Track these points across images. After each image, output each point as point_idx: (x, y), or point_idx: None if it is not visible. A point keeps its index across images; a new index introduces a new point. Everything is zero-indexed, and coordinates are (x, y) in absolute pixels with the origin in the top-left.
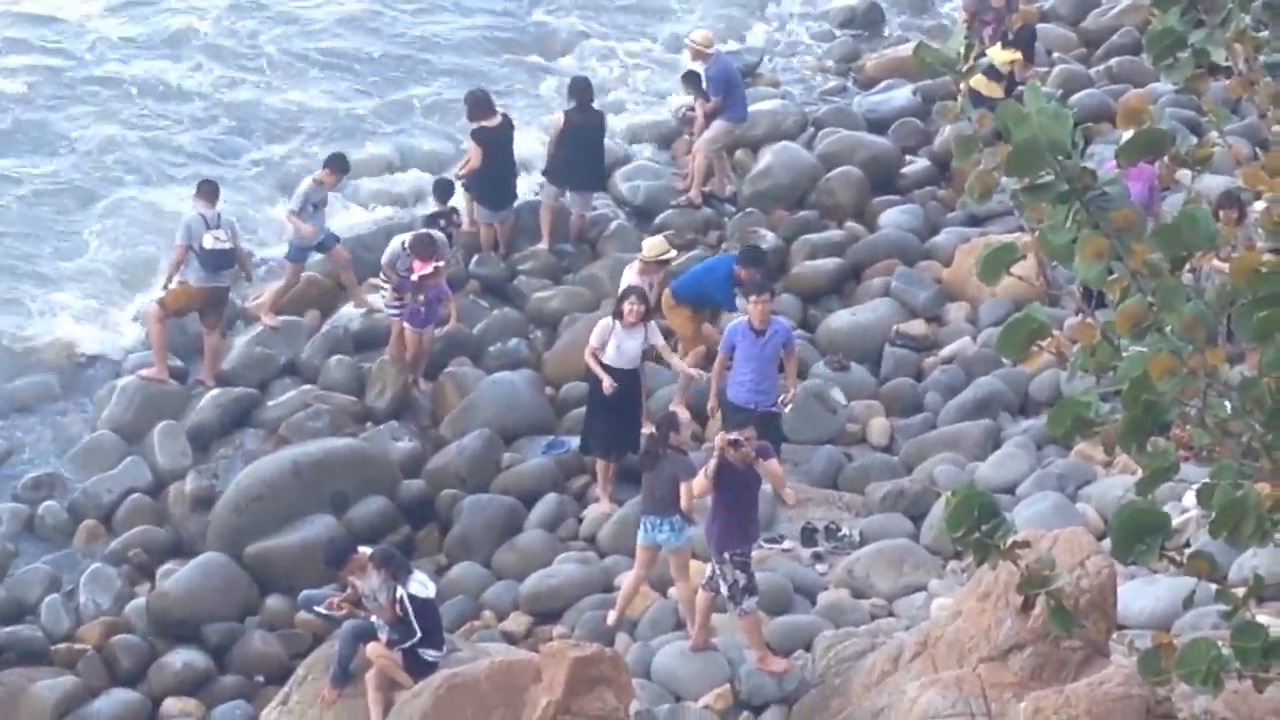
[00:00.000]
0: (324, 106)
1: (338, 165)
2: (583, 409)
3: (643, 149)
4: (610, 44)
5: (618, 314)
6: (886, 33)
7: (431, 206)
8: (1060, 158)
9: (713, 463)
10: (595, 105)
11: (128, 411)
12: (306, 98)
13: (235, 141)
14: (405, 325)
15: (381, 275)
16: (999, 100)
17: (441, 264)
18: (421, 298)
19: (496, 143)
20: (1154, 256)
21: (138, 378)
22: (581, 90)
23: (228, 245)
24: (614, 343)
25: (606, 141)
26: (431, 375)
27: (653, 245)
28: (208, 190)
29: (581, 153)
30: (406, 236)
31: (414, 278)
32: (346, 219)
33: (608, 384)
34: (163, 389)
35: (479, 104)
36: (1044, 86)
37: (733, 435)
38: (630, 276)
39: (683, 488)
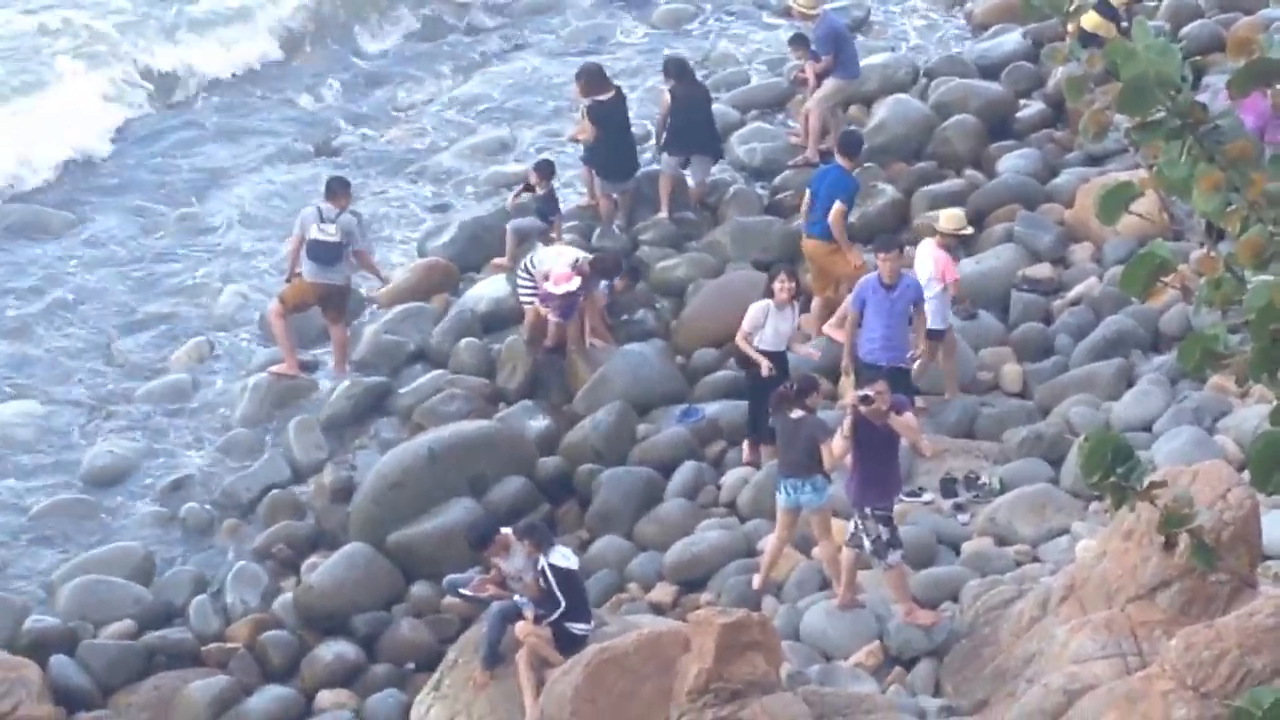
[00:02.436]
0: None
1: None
2: (717, 374)
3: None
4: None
5: (769, 293)
6: None
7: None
8: (1171, 93)
9: (848, 421)
10: (697, 78)
11: (262, 408)
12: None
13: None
14: (549, 315)
15: (522, 269)
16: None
17: (574, 288)
18: (564, 299)
19: (612, 116)
20: (1272, 186)
21: (268, 374)
22: (679, 66)
23: (334, 239)
24: (771, 325)
25: (719, 107)
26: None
27: (951, 217)
28: (334, 186)
29: (693, 121)
30: (581, 254)
31: (554, 288)
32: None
33: (766, 367)
34: (294, 383)
35: (593, 78)
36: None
37: (863, 391)
38: (927, 253)
39: (823, 449)
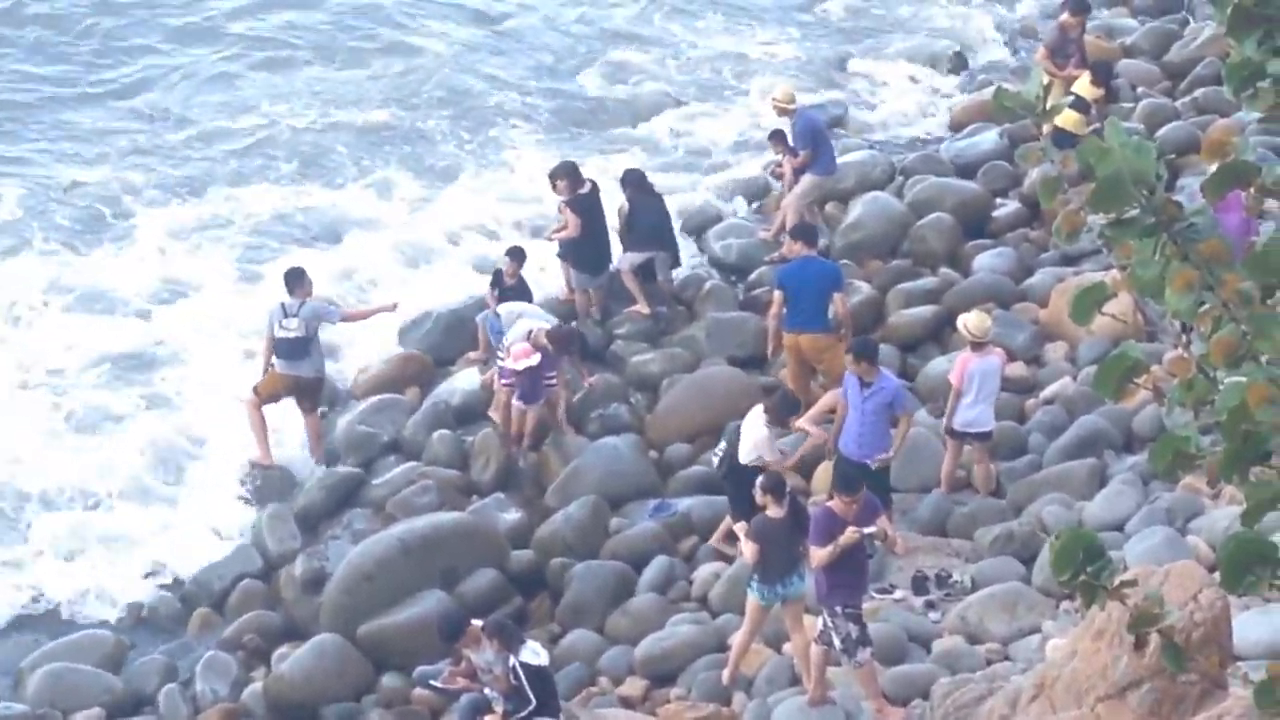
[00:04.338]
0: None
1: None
2: (690, 470)
3: (736, 206)
4: (692, 107)
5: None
6: (972, 76)
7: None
8: (1145, 191)
9: (841, 541)
10: (654, 189)
11: (236, 497)
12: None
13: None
14: (514, 400)
15: (501, 349)
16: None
17: (535, 362)
18: (526, 378)
19: (590, 209)
20: (1244, 285)
21: (247, 463)
22: (637, 177)
23: (296, 334)
24: (771, 445)
25: (695, 201)
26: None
27: (980, 322)
28: (290, 279)
29: (654, 224)
30: (540, 325)
31: (514, 365)
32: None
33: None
34: (266, 473)
35: (568, 173)
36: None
37: (869, 530)
38: (974, 365)
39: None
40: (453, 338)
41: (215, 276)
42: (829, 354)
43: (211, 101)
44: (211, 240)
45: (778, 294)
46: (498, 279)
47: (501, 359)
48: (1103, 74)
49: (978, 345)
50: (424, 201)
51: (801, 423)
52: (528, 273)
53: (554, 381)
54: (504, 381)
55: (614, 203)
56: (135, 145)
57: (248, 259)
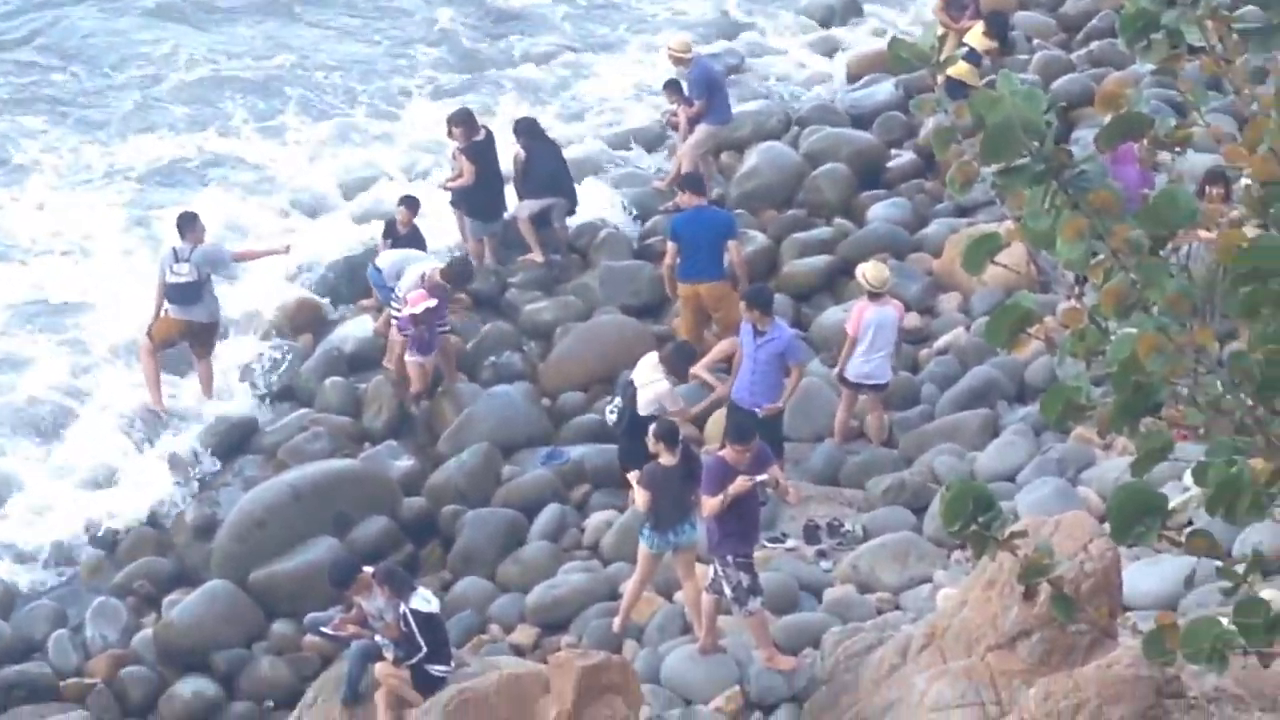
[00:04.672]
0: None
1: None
2: (582, 418)
3: (630, 155)
4: (588, 56)
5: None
6: (866, 27)
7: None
8: (1034, 140)
9: (732, 490)
10: (547, 135)
11: (126, 442)
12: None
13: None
14: (409, 356)
15: (394, 296)
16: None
17: (434, 304)
18: (423, 327)
19: (485, 157)
20: (1135, 234)
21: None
22: (530, 125)
23: (187, 278)
24: (673, 396)
25: (592, 150)
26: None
27: (878, 272)
28: (182, 223)
29: (551, 171)
30: (432, 268)
31: (408, 311)
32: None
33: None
34: (158, 418)
35: (464, 120)
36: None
37: (761, 477)
38: (871, 315)
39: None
40: (346, 284)
41: (107, 222)
42: (726, 302)
43: (104, 48)
44: (102, 187)
45: (671, 245)
46: (390, 229)
47: (397, 310)
48: (996, 26)
49: (875, 295)
50: (315, 148)
51: (697, 369)
52: (420, 221)
53: (445, 328)
54: (402, 332)
55: (508, 152)
56: (27, 92)
57: (141, 204)
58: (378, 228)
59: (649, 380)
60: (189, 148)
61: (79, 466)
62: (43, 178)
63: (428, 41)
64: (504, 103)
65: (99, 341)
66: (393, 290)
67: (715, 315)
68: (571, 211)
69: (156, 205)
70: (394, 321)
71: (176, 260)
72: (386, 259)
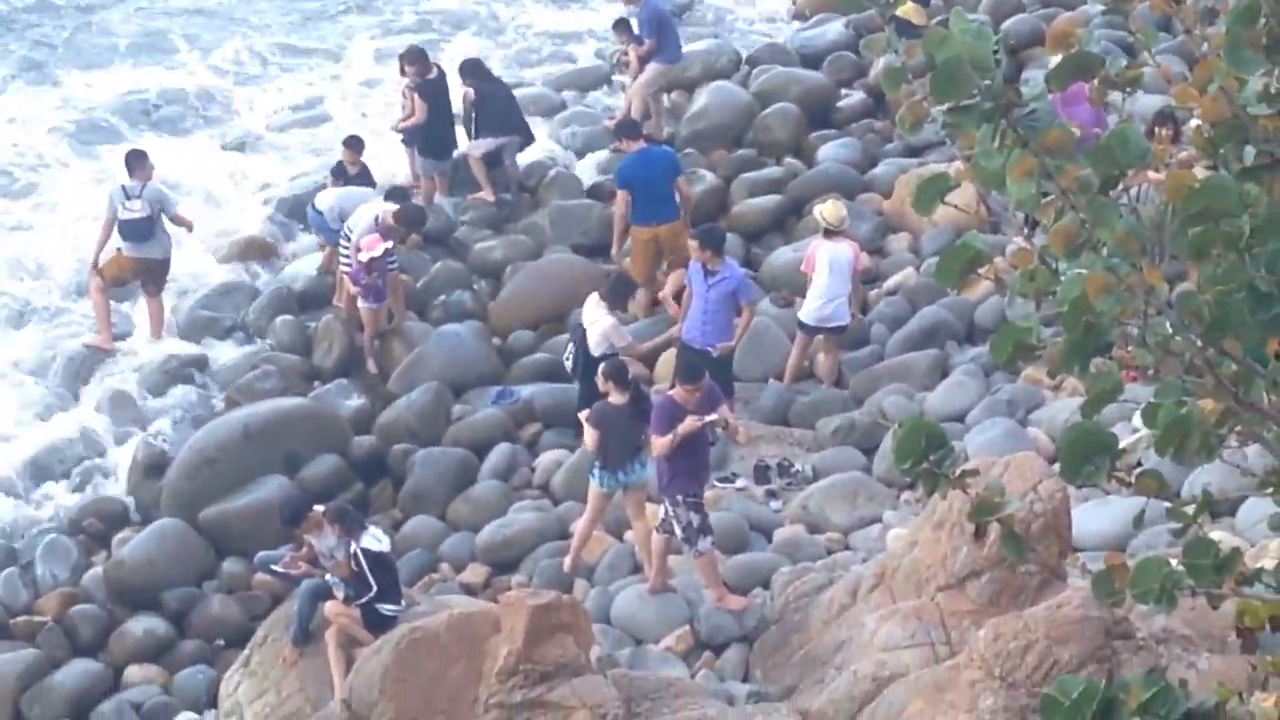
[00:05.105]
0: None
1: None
2: (532, 357)
3: (578, 95)
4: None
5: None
6: None
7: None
8: (985, 78)
9: (681, 429)
10: (493, 75)
11: (75, 380)
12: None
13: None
14: (361, 303)
15: (343, 235)
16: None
17: (391, 244)
18: (375, 273)
19: (437, 95)
20: (1085, 174)
21: (84, 346)
22: (475, 66)
23: (140, 214)
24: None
25: (540, 89)
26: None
27: (835, 211)
28: (131, 161)
29: (501, 110)
30: (385, 208)
31: (363, 257)
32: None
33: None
34: (109, 356)
35: (417, 58)
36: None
37: (710, 417)
38: (827, 253)
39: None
40: (294, 222)
41: (51, 159)
42: (680, 240)
43: None
44: (48, 122)
45: (622, 192)
46: (340, 170)
47: (346, 253)
48: None
49: (831, 234)
50: (260, 86)
51: (664, 295)
52: (367, 160)
53: (394, 264)
54: (356, 281)
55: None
56: None
57: (84, 141)
58: (322, 164)
59: (594, 319)
60: (135, 83)
61: (26, 401)
62: None
63: None
64: (452, 41)
65: (49, 276)
66: (337, 232)
67: (670, 256)
68: (526, 146)
69: (100, 141)
70: (344, 267)
71: (127, 198)
72: (325, 199)
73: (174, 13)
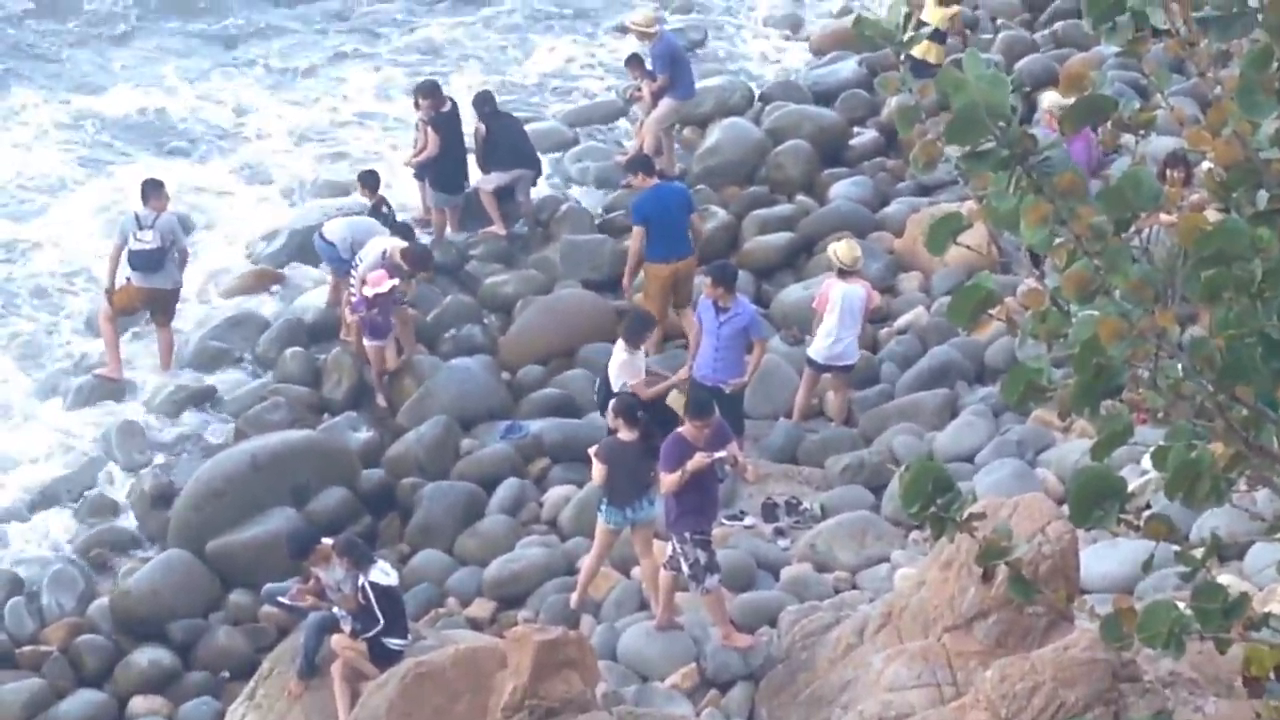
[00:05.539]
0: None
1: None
2: (542, 392)
3: (591, 130)
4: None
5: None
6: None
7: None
8: (1000, 123)
9: (690, 466)
10: (503, 110)
11: (84, 410)
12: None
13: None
14: (366, 341)
15: (352, 266)
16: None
17: (397, 282)
18: (375, 310)
19: (450, 129)
20: (1098, 219)
21: (93, 376)
22: (486, 99)
23: (151, 245)
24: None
25: (553, 124)
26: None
27: (850, 251)
28: (147, 190)
29: (513, 144)
30: (393, 245)
31: (368, 291)
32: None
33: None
34: (118, 387)
35: (432, 92)
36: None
37: (719, 455)
38: (840, 292)
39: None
40: (307, 253)
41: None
42: (691, 277)
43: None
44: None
45: (638, 228)
46: (374, 209)
47: (353, 290)
48: None
49: (845, 274)
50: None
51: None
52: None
53: (402, 300)
54: (355, 312)
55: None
56: None
57: (94, 161)
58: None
59: (615, 354)
60: (138, 106)
61: (35, 430)
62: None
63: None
64: (463, 75)
65: (60, 302)
66: (348, 262)
67: (680, 292)
68: (535, 182)
69: (109, 163)
70: (350, 300)
71: (140, 227)
72: (335, 230)
73: (191, 35)
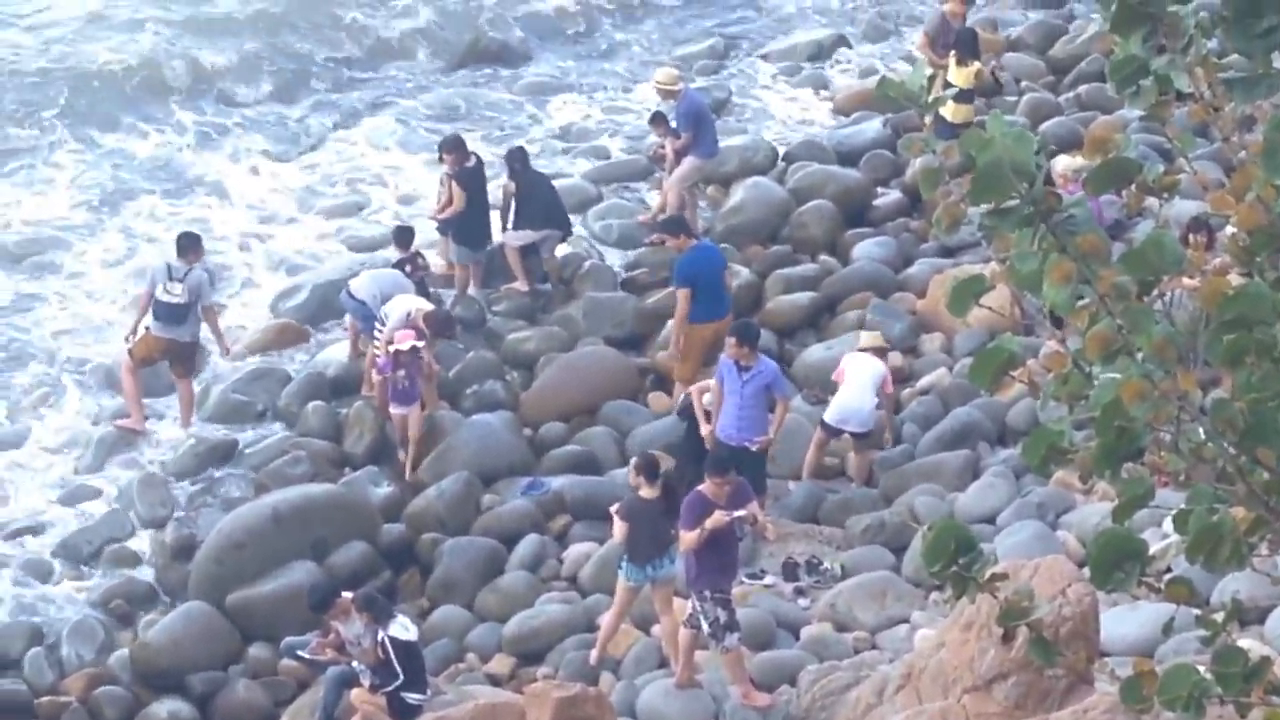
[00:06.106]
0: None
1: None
2: (564, 448)
3: (614, 188)
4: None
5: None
6: (855, 63)
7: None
8: (1024, 182)
9: (709, 524)
10: (534, 167)
11: (105, 462)
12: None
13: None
14: (392, 409)
15: (378, 320)
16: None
17: (422, 345)
18: (402, 373)
19: (474, 184)
20: (1121, 280)
21: (115, 427)
22: (521, 155)
23: (179, 299)
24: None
25: (578, 182)
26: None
27: (874, 339)
28: (184, 242)
29: (542, 201)
30: (418, 308)
31: (392, 348)
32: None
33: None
34: (139, 438)
35: (456, 147)
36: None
37: (739, 513)
38: (858, 364)
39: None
40: (329, 307)
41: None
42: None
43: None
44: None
45: (685, 291)
46: (402, 264)
47: (377, 343)
48: (967, 47)
49: (866, 349)
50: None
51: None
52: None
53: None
54: (380, 372)
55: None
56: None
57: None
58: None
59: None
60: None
61: (56, 483)
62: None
63: (413, 81)
64: (482, 131)
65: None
66: (374, 318)
67: (714, 351)
68: (567, 235)
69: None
70: (375, 352)
71: (170, 278)
72: (363, 286)
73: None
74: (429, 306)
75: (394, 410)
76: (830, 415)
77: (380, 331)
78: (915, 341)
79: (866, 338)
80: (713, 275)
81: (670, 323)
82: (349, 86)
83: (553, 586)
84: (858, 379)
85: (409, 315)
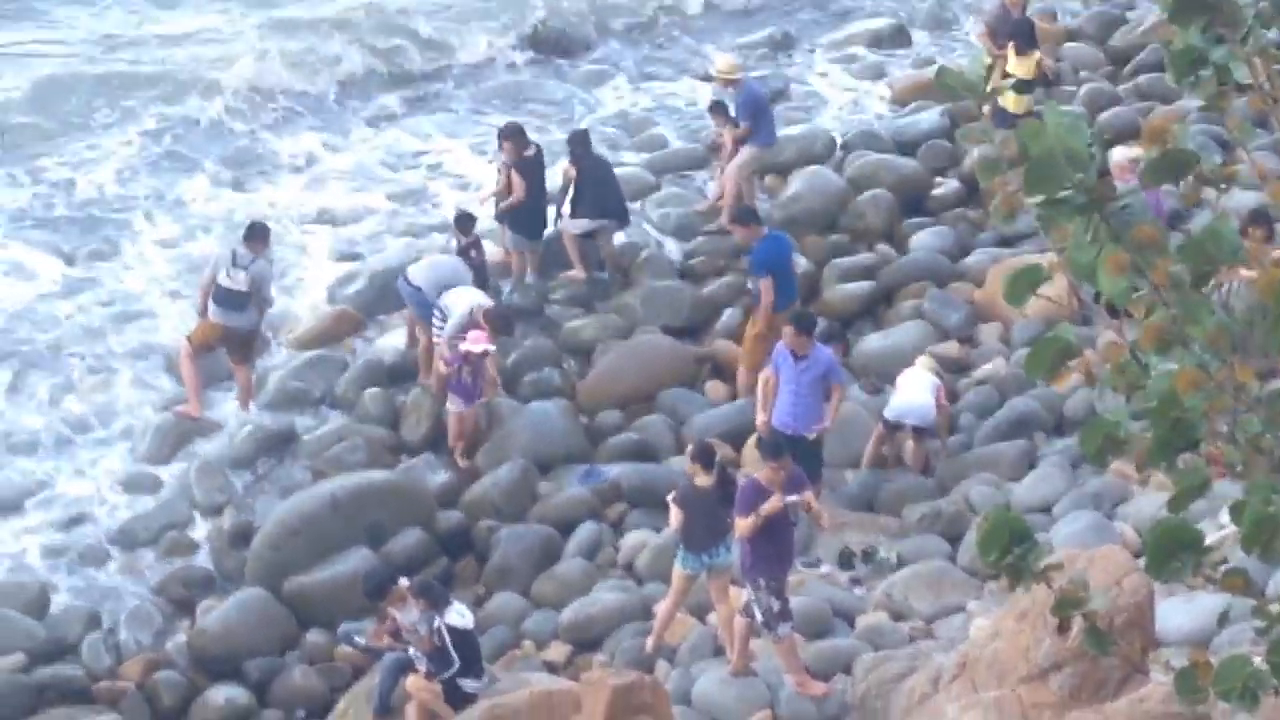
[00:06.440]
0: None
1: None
2: (620, 436)
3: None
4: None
5: None
6: (914, 52)
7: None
8: (1079, 173)
9: (764, 509)
10: (597, 152)
11: (164, 448)
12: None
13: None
14: (450, 402)
15: (436, 311)
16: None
17: (493, 348)
18: (468, 369)
19: (533, 173)
20: (1175, 269)
21: (173, 414)
22: (583, 138)
23: (240, 287)
24: None
25: (634, 170)
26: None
27: (927, 363)
28: (253, 231)
29: (602, 189)
30: (480, 303)
31: (462, 348)
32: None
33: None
34: (197, 425)
35: (515, 135)
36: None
37: (793, 498)
38: (914, 374)
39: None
40: (387, 295)
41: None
42: None
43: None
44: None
45: (768, 281)
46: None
47: (439, 332)
48: (1025, 38)
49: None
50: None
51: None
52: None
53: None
54: (448, 365)
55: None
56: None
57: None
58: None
59: None
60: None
61: (114, 470)
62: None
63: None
64: (541, 119)
65: (136, 340)
66: (433, 305)
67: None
68: (625, 224)
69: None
70: (436, 336)
71: (234, 265)
72: (421, 274)
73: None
74: (489, 303)
75: (451, 407)
76: (890, 411)
77: (438, 320)
78: (972, 331)
79: (921, 362)
80: (787, 263)
81: (728, 311)
82: (408, 75)
83: (609, 574)
84: (916, 382)
85: (471, 311)
